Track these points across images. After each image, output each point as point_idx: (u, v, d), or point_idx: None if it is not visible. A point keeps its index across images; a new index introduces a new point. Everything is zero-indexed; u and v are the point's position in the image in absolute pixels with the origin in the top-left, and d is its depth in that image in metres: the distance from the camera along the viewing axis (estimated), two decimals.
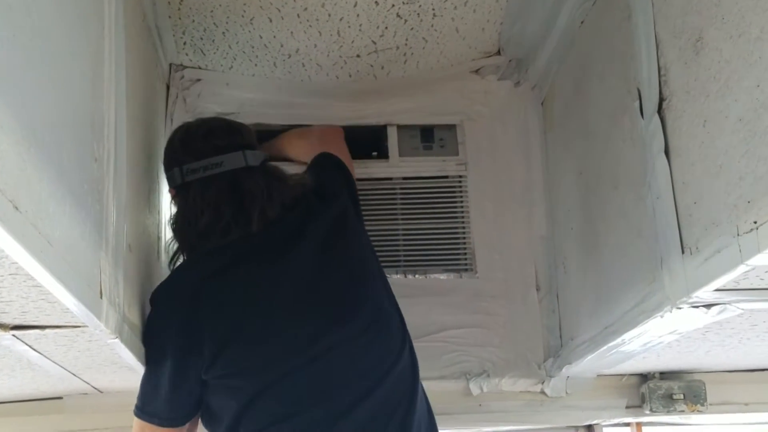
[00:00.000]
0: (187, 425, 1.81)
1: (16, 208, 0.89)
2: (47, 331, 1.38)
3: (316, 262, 1.82)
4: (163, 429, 1.76)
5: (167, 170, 1.90)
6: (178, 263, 1.86)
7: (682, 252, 1.44)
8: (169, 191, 1.93)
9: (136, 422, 1.77)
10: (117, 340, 1.43)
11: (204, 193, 1.81)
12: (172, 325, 1.71)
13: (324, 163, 2.10)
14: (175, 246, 1.87)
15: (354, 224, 1.98)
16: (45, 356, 1.65)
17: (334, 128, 2.31)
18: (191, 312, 1.71)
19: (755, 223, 1.19)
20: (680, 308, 1.49)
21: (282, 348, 1.72)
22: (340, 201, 1.97)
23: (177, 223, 1.86)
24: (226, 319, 1.71)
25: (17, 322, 1.34)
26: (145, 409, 1.77)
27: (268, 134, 2.40)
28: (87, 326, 1.33)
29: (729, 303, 1.46)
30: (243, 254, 1.79)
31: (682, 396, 2.30)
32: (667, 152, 1.50)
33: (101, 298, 1.30)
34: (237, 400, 1.71)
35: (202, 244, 1.81)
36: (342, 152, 2.19)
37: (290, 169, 2.07)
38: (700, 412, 2.31)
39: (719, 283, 1.34)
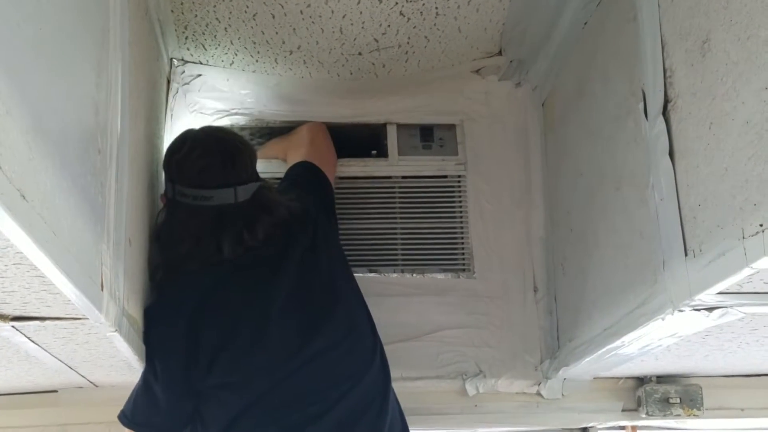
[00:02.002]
0: None
1: (23, 197, 0.88)
2: (47, 322, 1.37)
3: (296, 280, 1.90)
4: None
5: (165, 173, 1.93)
6: (158, 275, 1.87)
7: (685, 254, 1.44)
8: (161, 197, 1.96)
9: None
10: (116, 334, 1.43)
11: (188, 221, 1.86)
12: (178, 336, 1.76)
13: (300, 176, 2.16)
14: (157, 259, 1.88)
15: (325, 241, 2.03)
16: (43, 348, 1.64)
17: (319, 126, 2.33)
18: (193, 323, 1.78)
19: (761, 226, 1.18)
20: (682, 311, 1.49)
21: (268, 360, 1.80)
22: (313, 219, 2.02)
23: (161, 238, 1.89)
24: (221, 329, 1.79)
25: (17, 313, 1.33)
26: (136, 420, 1.80)
27: (269, 131, 2.40)
28: (87, 318, 1.32)
29: (731, 306, 1.46)
30: (235, 271, 1.86)
31: (678, 400, 2.30)
32: (671, 154, 1.50)
33: (102, 290, 1.29)
34: (226, 413, 1.77)
35: (182, 266, 1.86)
36: (325, 152, 2.26)
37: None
38: (696, 416, 2.30)
39: (722, 286, 1.33)
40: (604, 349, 1.89)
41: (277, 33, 2.16)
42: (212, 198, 1.84)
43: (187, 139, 1.94)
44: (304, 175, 2.16)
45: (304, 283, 1.91)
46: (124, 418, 1.83)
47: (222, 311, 1.82)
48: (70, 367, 1.91)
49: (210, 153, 1.88)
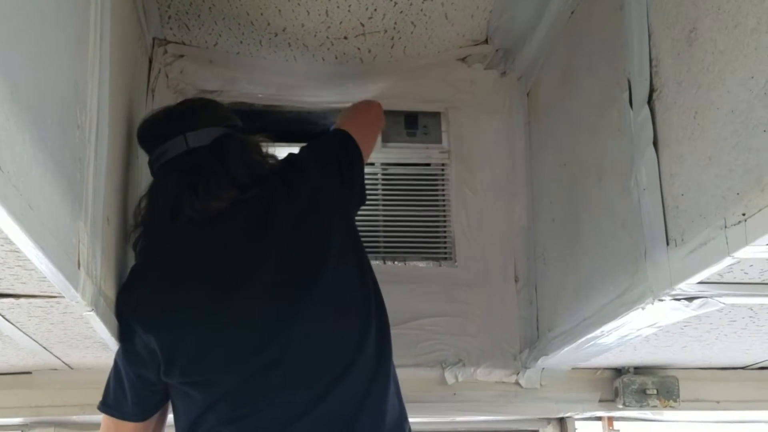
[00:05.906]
0: (153, 420, 1.78)
1: None
2: (21, 300, 1.35)
3: (271, 262, 1.70)
4: (124, 423, 1.74)
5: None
6: (139, 244, 1.77)
7: (667, 244, 1.44)
8: None
9: (103, 418, 1.76)
10: (92, 313, 1.39)
11: (158, 187, 1.76)
12: (132, 321, 1.65)
13: (322, 141, 1.96)
14: (138, 233, 1.78)
15: (324, 213, 1.79)
16: (17, 327, 1.62)
17: (370, 103, 2.22)
18: (146, 311, 1.66)
19: (743, 215, 1.18)
20: (662, 300, 1.49)
21: (233, 356, 1.64)
22: (311, 187, 1.80)
23: (141, 213, 1.78)
24: (170, 325, 1.65)
25: None
26: (105, 401, 1.75)
27: (251, 114, 2.38)
28: (63, 297, 1.30)
29: (711, 296, 1.46)
30: (199, 247, 1.71)
31: (655, 391, 2.31)
32: (655, 143, 1.49)
33: (79, 268, 1.27)
34: (195, 407, 1.66)
35: (152, 236, 1.76)
36: (365, 126, 2.07)
37: None
38: (672, 408, 2.32)
39: (704, 275, 1.33)
40: (583, 339, 1.89)
41: (262, 14, 2.14)
42: (167, 151, 1.75)
43: (146, 116, 1.90)
44: (328, 141, 1.96)
45: (282, 267, 1.69)
46: (99, 402, 1.75)
47: (176, 301, 1.65)
48: (44, 348, 1.89)
49: (156, 115, 1.85)
